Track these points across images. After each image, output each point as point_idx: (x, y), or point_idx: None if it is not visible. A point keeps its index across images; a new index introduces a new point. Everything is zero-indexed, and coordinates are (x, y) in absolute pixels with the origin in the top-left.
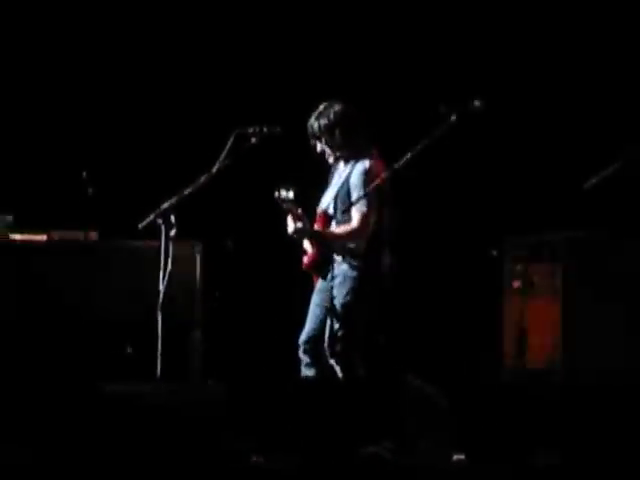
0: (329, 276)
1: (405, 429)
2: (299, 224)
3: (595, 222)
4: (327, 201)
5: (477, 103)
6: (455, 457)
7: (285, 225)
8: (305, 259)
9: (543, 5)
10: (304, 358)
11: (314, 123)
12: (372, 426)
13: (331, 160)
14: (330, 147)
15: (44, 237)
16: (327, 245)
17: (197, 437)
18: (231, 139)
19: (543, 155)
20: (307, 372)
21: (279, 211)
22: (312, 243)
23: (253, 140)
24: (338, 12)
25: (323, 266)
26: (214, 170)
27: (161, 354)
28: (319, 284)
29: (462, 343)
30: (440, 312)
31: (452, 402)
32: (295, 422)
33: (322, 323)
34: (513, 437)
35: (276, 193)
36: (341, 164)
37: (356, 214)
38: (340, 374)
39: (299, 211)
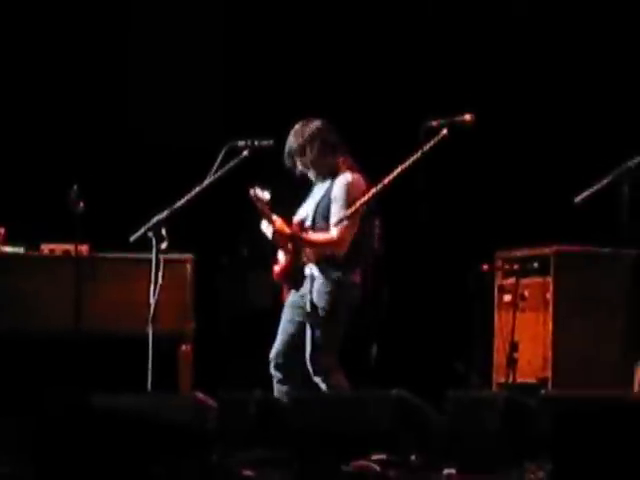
0: (304, 290)
1: (396, 442)
2: (271, 227)
3: (586, 236)
4: (305, 212)
5: (468, 117)
6: (446, 471)
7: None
8: (276, 268)
9: (534, 16)
10: (276, 374)
11: (291, 141)
12: (362, 440)
13: (312, 177)
14: (305, 166)
15: (35, 250)
16: (300, 252)
17: (187, 451)
18: (222, 152)
19: (533, 169)
20: (280, 388)
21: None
22: (286, 252)
23: (245, 153)
24: (325, 25)
25: (295, 277)
26: (205, 183)
27: (152, 367)
28: (291, 297)
29: (452, 356)
30: (432, 326)
31: (443, 416)
32: (285, 436)
33: (293, 338)
34: (504, 451)
35: (252, 191)
36: (320, 181)
37: (335, 227)
38: (325, 389)
39: (271, 213)
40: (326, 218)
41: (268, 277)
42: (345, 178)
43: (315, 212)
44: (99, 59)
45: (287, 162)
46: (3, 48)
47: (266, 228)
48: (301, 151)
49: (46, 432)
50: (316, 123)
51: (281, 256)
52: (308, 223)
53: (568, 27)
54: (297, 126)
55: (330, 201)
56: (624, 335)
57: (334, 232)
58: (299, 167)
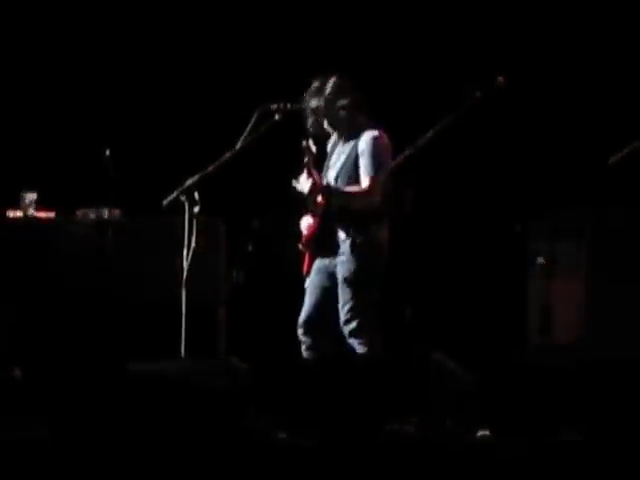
0: (334, 254)
1: (430, 405)
2: (309, 181)
3: (620, 199)
4: (330, 176)
5: (500, 80)
6: (480, 433)
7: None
8: (304, 232)
9: None
10: (305, 340)
11: (314, 100)
12: (397, 402)
13: (333, 134)
14: (334, 119)
15: (68, 215)
16: (329, 214)
17: (221, 414)
18: (254, 116)
19: (568, 131)
20: (309, 354)
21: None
22: (314, 215)
23: (277, 117)
24: None
25: (322, 241)
26: (237, 147)
27: (185, 332)
28: (317, 263)
29: (487, 320)
30: (465, 289)
31: (477, 378)
32: (319, 399)
33: (321, 303)
34: (538, 413)
35: (304, 142)
36: (342, 141)
37: (366, 178)
38: (361, 352)
39: (314, 167)
40: (351, 176)
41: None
42: (371, 133)
43: (340, 171)
44: (131, 26)
45: (309, 120)
46: (40, 18)
47: (303, 183)
48: (327, 108)
49: (83, 397)
50: (337, 78)
51: (304, 223)
52: (333, 183)
53: None
54: (316, 83)
55: (356, 158)
56: None
57: (365, 184)
58: (322, 124)
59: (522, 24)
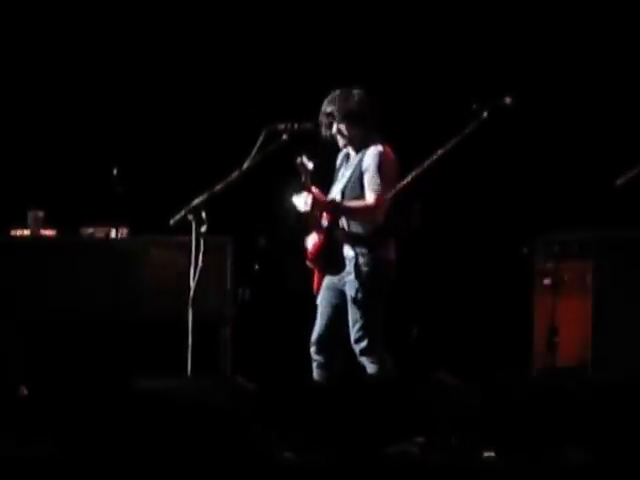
0: (342, 272)
1: (436, 426)
2: (309, 198)
3: (627, 220)
4: (335, 191)
5: (508, 100)
6: (485, 454)
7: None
8: (310, 249)
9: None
10: (317, 358)
11: (327, 107)
12: (401, 423)
13: (341, 145)
14: (341, 133)
15: (74, 233)
16: (334, 232)
17: (226, 433)
18: (262, 135)
19: (575, 152)
20: (320, 372)
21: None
22: (318, 232)
23: (284, 136)
24: (362, 5)
25: (329, 258)
26: (245, 166)
27: (191, 350)
28: (327, 280)
29: (493, 340)
30: (471, 309)
31: (483, 399)
32: (325, 419)
33: (333, 321)
34: (544, 435)
35: (298, 159)
36: (351, 155)
37: (371, 194)
38: (371, 371)
39: (311, 184)
40: (355, 191)
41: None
42: (376, 149)
43: (346, 186)
44: (138, 42)
45: (322, 122)
46: (45, 28)
47: (302, 200)
48: (344, 117)
49: (87, 415)
50: (357, 91)
51: (310, 240)
52: (338, 198)
53: (607, 7)
54: (336, 92)
55: (361, 174)
56: None
57: (369, 199)
58: (332, 132)
59: (530, 44)
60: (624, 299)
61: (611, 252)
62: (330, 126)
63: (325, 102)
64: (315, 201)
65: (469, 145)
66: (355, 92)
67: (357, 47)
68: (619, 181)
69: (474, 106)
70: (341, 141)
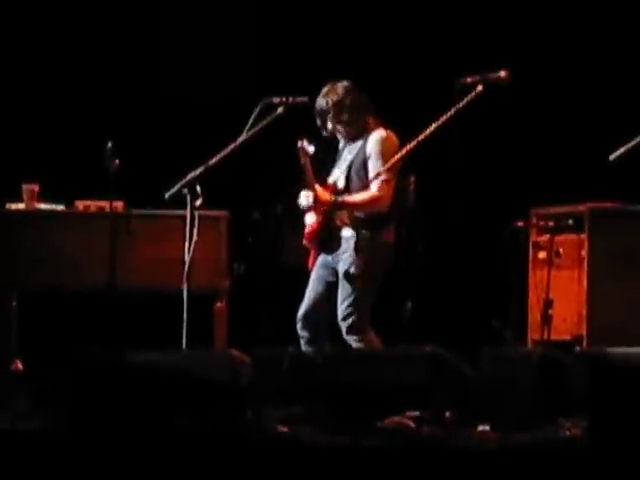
0: (338, 251)
1: (431, 399)
2: (311, 195)
3: (620, 194)
4: (336, 175)
5: (503, 73)
6: (480, 428)
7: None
8: (308, 229)
9: None
10: (303, 334)
11: (322, 102)
12: (397, 397)
13: (340, 138)
14: (339, 124)
15: (69, 207)
16: (332, 214)
17: (222, 408)
18: (257, 109)
19: (568, 126)
20: (308, 348)
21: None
22: (317, 213)
23: (279, 110)
24: None
25: (325, 239)
26: (240, 140)
27: (186, 324)
28: (321, 258)
29: (487, 313)
30: (465, 283)
31: (477, 372)
32: (319, 393)
33: (322, 298)
34: (537, 407)
35: (299, 142)
36: (351, 142)
37: (375, 181)
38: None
39: (312, 171)
40: (361, 177)
41: (300, 237)
42: (379, 134)
43: (349, 173)
44: (132, 16)
45: (318, 122)
46: (43, 8)
47: (304, 197)
48: (334, 111)
49: (81, 389)
50: (345, 83)
51: (309, 219)
52: (341, 185)
53: None
54: (327, 87)
55: (365, 159)
56: None
57: (374, 188)
58: (329, 127)
59: (524, 19)
60: (619, 272)
61: (605, 226)
62: (326, 123)
63: (317, 103)
64: (318, 198)
65: (463, 119)
66: (341, 84)
67: (351, 20)
68: (613, 155)
69: (468, 80)
70: (340, 135)
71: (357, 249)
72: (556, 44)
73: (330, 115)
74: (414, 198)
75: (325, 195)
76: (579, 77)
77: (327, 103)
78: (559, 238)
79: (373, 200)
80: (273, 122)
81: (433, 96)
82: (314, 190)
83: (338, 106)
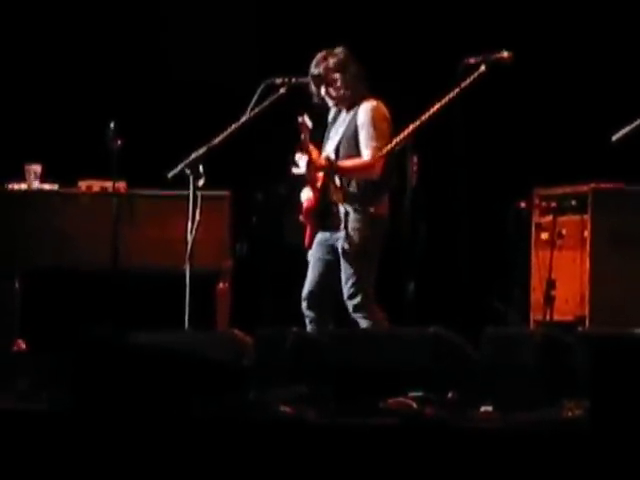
0: (335, 228)
1: (433, 380)
2: (304, 158)
3: (623, 174)
4: (328, 149)
5: (506, 54)
6: (483, 408)
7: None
8: (304, 205)
9: None
10: (308, 314)
11: (319, 66)
12: (399, 377)
13: (332, 106)
14: (334, 89)
15: (72, 187)
16: (328, 189)
17: (225, 388)
18: (259, 89)
19: (571, 106)
20: (313, 328)
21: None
22: (313, 188)
23: (282, 90)
24: None
25: (321, 215)
26: (243, 120)
27: (189, 304)
28: (319, 236)
29: (490, 294)
30: (467, 263)
31: (480, 353)
32: (323, 373)
33: (324, 277)
34: (540, 388)
35: (300, 118)
36: (342, 113)
37: (367, 150)
38: (364, 326)
39: (309, 143)
40: (353, 147)
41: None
42: (369, 103)
43: (339, 143)
44: None
45: (311, 87)
46: None
47: (299, 158)
48: (335, 71)
49: (84, 369)
50: (341, 50)
51: (305, 195)
52: (333, 156)
53: None
54: (322, 53)
55: (356, 129)
56: None
57: (366, 156)
58: (321, 94)
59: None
60: (621, 253)
61: (608, 206)
62: (319, 88)
63: (312, 68)
64: (311, 161)
65: (466, 100)
66: (337, 50)
67: (353, 1)
68: (616, 136)
69: (471, 60)
70: (331, 101)
71: (353, 226)
72: (558, 24)
73: (331, 76)
74: (417, 179)
75: (320, 159)
76: (582, 58)
77: (327, 66)
78: (562, 219)
79: (365, 167)
80: (276, 102)
81: (436, 77)
82: (309, 153)
83: (340, 66)
